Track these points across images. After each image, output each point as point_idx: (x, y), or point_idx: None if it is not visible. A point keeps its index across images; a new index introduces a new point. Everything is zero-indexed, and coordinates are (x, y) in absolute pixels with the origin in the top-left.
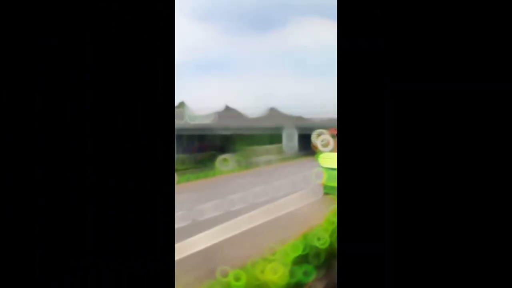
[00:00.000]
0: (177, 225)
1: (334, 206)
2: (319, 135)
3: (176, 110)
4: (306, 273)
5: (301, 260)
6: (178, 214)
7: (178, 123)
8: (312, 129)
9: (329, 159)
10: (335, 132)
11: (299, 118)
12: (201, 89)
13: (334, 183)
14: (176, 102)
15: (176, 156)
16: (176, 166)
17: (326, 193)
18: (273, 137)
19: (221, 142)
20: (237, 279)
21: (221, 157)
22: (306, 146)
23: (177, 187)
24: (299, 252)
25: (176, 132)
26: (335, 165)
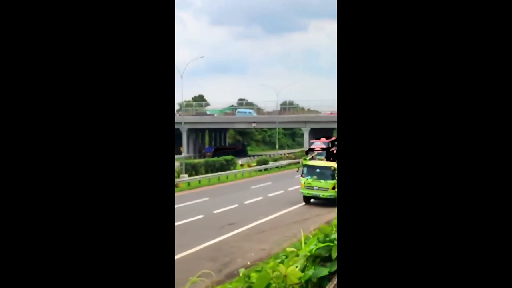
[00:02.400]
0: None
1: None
2: None
3: (193, 103)
4: (322, 267)
5: (317, 254)
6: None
7: (196, 116)
8: (326, 122)
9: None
10: None
11: (315, 111)
12: (220, 84)
13: (309, 182)
14: (194, 96)
15: (197, 161)
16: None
17: (305, 195)
18: (289, 130)
19: (239, 139)
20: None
21: (239, 162)
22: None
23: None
24: (315, 246)
25: (192, 126)
26: (314, 164)
